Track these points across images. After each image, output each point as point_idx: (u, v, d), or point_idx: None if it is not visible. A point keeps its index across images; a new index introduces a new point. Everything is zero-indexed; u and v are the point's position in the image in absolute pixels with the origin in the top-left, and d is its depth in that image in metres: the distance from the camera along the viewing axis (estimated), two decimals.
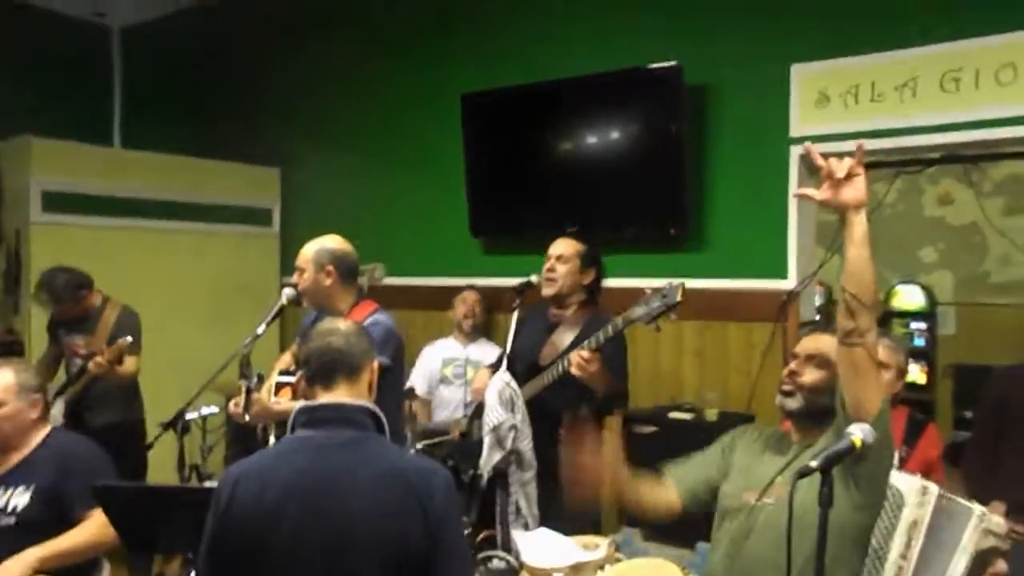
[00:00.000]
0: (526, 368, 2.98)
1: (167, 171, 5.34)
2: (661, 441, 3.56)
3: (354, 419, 1.79)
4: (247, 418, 2.83)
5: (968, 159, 3.96)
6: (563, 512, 2.52)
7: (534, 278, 3.12)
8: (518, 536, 2.42)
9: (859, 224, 1.77)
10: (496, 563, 2.28)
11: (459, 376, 4.33)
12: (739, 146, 3.97)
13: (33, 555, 2.40)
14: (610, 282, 3.27)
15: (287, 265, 4.28)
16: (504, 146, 4.63)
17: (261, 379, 2.98)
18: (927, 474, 2.36)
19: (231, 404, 2.94)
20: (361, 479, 1.69)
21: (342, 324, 1.93)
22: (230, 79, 6.10)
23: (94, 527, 2.48)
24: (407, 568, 1.67)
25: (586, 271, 3.11)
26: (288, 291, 3.01)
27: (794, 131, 3.78)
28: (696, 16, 4.06)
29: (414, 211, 5.13)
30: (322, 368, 1.83)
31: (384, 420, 1.83)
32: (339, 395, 1.81)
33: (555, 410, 2.84)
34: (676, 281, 2.66)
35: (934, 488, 1.99)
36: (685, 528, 2.38)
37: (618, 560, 2.31)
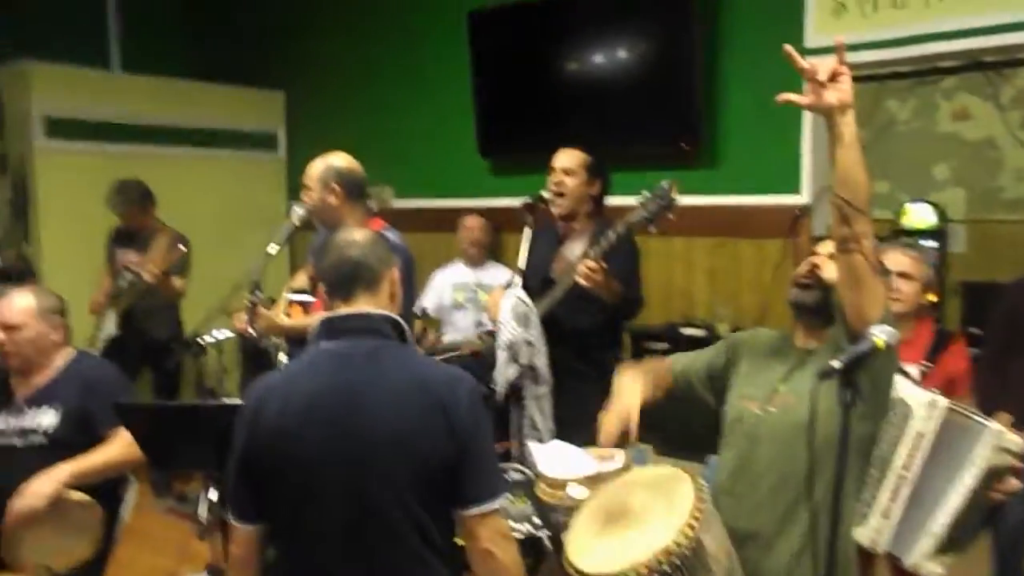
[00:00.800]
0: (539, 283, 2.97)
1: (170, 95, 5.29)
2: None
3: (377, 328, 1.74)
4: (251, 331, 2.85)
5: (989, 66, 3.85)
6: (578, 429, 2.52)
7: (545, 193, 3.09)
8: (534, 448, 2.43)
9: (846, 125, 1.70)
10: (513, 475, 2.30)
11: (471, 301, 4.33)
12: (751, 58, 3.88)
13: (65, 471, 2.45)
14: (621, 199, 3.23)
15: (294, 190, 4.25)
16: (512, 64, 4.54)
17: (273, 302, 2.98)
18: (949, 389, 2.28)
19: (235, 319, 2.96)
20: (384, 391, 1.66)
21: (358, 234, 1.85)
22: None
23: (121, 444, 2.52)
24: (435, 479, 1.64)
25: (593, 182, 3.08)
26: (297, 210, 2.98)
27: (809, 41, 3.67)
28: None
29: (422, 133, 5.07)
30: (340, 280, 1.77)
31: (407, 329, 1.79)
32: (360, 306, 1.76)
33: (569, 323, 2.84)
34: (667, 181, 2.65)
35: (943, 402, 1.93)
36: (697, 441, 2.39)
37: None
